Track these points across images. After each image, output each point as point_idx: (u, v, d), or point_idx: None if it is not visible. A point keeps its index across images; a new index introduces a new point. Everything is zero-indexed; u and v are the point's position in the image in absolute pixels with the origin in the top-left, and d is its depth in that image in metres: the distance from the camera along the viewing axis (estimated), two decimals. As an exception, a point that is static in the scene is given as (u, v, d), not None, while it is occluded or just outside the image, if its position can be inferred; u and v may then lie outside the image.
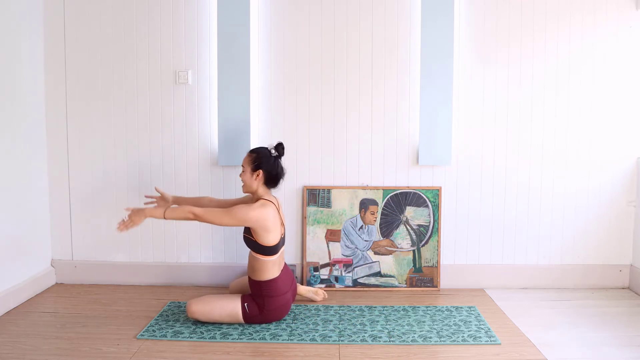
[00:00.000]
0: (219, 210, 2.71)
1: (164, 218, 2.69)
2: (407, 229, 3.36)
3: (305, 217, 3.36)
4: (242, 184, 2.88)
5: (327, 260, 3.37)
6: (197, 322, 2.82)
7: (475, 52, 3.32)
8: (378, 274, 3.37)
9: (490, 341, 2.61)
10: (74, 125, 3.42)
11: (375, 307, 3.06)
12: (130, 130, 3.41)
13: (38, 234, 3.36)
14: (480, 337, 2.65)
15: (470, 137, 3.37)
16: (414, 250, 3.36)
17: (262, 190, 2.84)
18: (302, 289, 3.15)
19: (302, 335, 2.67)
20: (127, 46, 3.37)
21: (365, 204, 3.36)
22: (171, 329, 2.74)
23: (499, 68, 3.33)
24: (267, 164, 2.82)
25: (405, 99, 3.35)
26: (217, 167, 3.41)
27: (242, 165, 2.87)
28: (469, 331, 2.72)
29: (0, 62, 2.97)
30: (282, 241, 2.84)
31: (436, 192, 3.35)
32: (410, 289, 3.36)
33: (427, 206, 3.35)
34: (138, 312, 2.99)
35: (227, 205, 2.98)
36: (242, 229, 2.91)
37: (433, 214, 3.35)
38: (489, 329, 2.75)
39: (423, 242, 3.36)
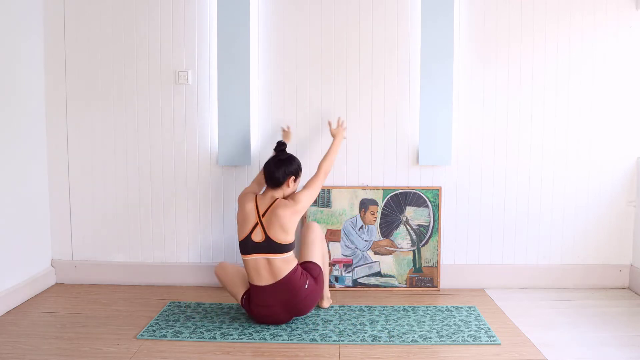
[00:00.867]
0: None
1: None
2: (407, 229, 3.36)
3: (306, 217, 3.36)
4: None
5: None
6: (197, 322, 2.82)
7: (475, 52, 3.32)
8: (378, 274, 3.37)
9: (490, 341, 2.61)
10: (74, 125, 3.42)
11: (375, 307, 3.06)
12: (130, 130, 3.41)
13: (38, 234, 3.36)
14: (480, 337, 2.65)
15: (470, 137, 3.37)
16: (414, 250, 3.36)
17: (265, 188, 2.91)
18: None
19: (302, 335, 2.67)
20: (127, 46, 3.37)
21: (365, 204, 3.37)
22: (171, 329, 2.74)
23: (499, 68, 3.33)
24: (265, 164, 2.85)
25: (405, 98, 3.35)
26: (217, 167, 3.41)
27: None
28: (469, 331, 2.73)
29: (0, 62, 2.97)
30: (245, 241, 2.74)
31: (436, 192, 3.35)
32: (410, 289, 3.36)
33: (427, 206, 3.35)
34: (138, 312, 2.99)
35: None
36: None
37: (433, 214, 3.35)
38: (489, 329, 2.75)
39: (423, 242, 3.36)
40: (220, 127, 3.35)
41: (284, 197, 2.83)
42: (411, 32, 3.32)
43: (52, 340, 2.62)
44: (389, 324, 2.81)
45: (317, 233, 2.95)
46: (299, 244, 3.01)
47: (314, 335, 2.67)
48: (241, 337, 2.65)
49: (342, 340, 2.61)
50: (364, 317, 2.91)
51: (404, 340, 2.61)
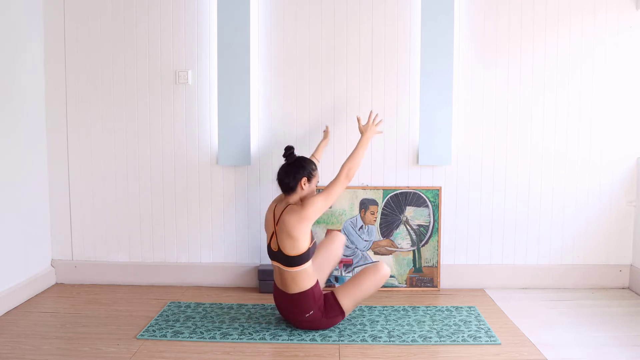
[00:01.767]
0: None
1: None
2: (407, 229, 3.36)
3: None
4: None
5: (327, 260, 3.37)
6: (197, 322, 2.82)
7: (475, 52, 3.32)
8: (378, 274, 3.36)
9: (490, 341, 2.61)
10: (74, 125, 3.42)
11: (375, 307, 3.06)
12: (130, 131, 3.41)
13: (38, 234, 3.36)
14: (480, 337, 2.65)
15: (470, 137, 3.37)
16: (414, 250, 3.36)
17: None
18: None
19: (302, 335, 2.67)
20: (127, 46, 3.37)
21: (365, 204, 3.36)
22: (171, 329, 2.74)
23: (499, 68, 3.33)
24: (277, 171, 2.83)
25: (405, 98, 3.35)
26: (217, 167, 3.41)
27: None
28: (469, 331, 2.72)
29: (0, 62, 2.97)
30: (267, 248, 2.79)
31: (436, 192, 3.35)
32: (410, 289, 3.36)
33: (427, 206, 3.35)
34: (138, 312, 2.99)
35: None
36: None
37: (433, 214, 3.35)
38: (489, 329, 2.75)
39: (423, 242, 3.36)
40: (220, 127, 3.35)
41: (302, 200, 2.74)
42: (411, 32, 3.32)
43: (52, 340, 2.62)
44: (389, 324, 2.81)
45: (374, 279, 2.69)
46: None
47: (314, 335, 2.67)
48: (241, 337, 2.65)
49: (342, 340, 2.61)
50: (364, 317, 2.91)
51: (404, 340, 2.61)
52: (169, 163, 3.41)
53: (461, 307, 3.06)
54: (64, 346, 2.55)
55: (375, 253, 3.37)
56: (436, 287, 3.36)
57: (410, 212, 3.36)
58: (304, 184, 2.72)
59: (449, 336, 2.67)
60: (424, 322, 2.85)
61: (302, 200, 2.71)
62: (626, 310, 3.03)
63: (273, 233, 2.71)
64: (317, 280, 2.71)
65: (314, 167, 2.79)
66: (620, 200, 3.39)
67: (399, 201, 3.36)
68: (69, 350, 2.50)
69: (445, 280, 3.39)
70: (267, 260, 3.44)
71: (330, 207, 3.35)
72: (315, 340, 2.61)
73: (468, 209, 3.40)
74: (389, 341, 2.60)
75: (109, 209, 3.45)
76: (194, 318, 2.89)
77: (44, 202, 3.41)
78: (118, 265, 3.47)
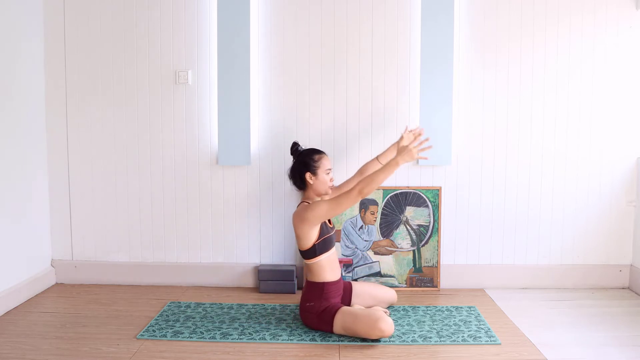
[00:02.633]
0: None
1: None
2: (407, 229, 3.36)
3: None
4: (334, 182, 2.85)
5: (327, 260, 3.36)
6: (197, 322, 2.82)
7: (475, 52, 3.32)
8: (378, 274, 3.37)
9: (490, 341, 2.61)
10: (74, 125, 3.42)
11: (375, 307, 3.06)
12: (130, 130, 3.41)
13: (38, 234, 3.36)
14: (480, 337, 2.65)
15: (470, 137, 3.37)
16: (414, 250, 3.36)
17: None
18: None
19: (302, 335, 2.67)
20: (127, 46, 3.37)
21: (365, 204, 3.36)
22: (171, 329, 2.74)
23: (499, 68, 3.33)
24: None
25: (405, 98, 3.35)
26: (217, 166, 3.41)
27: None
28: (469, 331, 2.72)
29: (0, 62, 2.97)
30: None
31: (436, 192, 3.35)
32: (410, 289, 3.36)
33: (427, 206, 3.35)
34: (138, 312, 2.99)
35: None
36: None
37: (433, 214, 3.35)
38: (489, 329, 2.75)
39: (423, 242, 3.36)
40: (220, 127, 3.34)
41: (318, 195, 2.79)
42: (411, 32, 3.32)
43: (52, 340, 2.61)
44: (389, 324, 2.81)
45: (369, 329, 2.55)
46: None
47: (314, 335, 2.67)
48: (241, 337, 2.65)
49: (342, 340, 2.61)
50: (364, 317, 2.91)
51: (404, 340, 2.61)
52: (169, 163, 3.41)
53: (461, 307, 3.06)
54: (64, 346, 2.55)
55: (375, 253, 3.37)
56: (436, 287, 3.36)
57: (410, 212, 3.36)
58: (310, 179, 2.76)
59: (449, 336, 2.67)
60: (424, 322, 2.85)
61: (318, 196, 2.79)
62: (626, 310, 3.03)
63: None
64: (330, 282, 2.73)
65: (315, 157, 2.78)
66: (620, 200, 3.39)
67: (399, 201, 3.36)
68: (69, 350, 2.50)
69: (445, 280, 3.39)
70: (267, 260, 3.44)
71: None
72: (315, 340, 2.61)
73: (468, 209, 3.39)
74: (389, 341, 2.60)
75: (109, 209, 3.45)
76: (194, 318, 2.89)
77: (44, 202, 3.41)
78: (118, 265, 3.46)
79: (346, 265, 3.36)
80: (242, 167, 3.40)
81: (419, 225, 3.36)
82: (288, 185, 3.36)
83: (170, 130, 3.40)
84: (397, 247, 3.37)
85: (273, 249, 3.44)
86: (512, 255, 3.42)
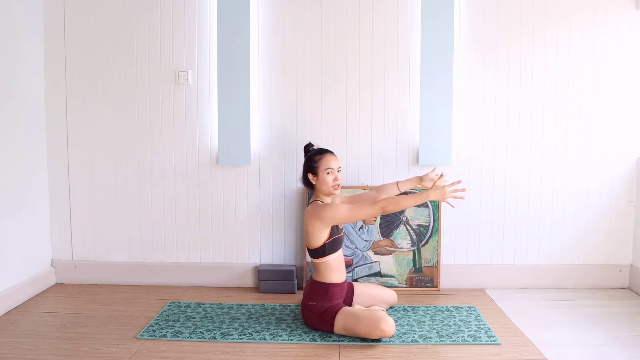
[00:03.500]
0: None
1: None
2: (407, 229, 3.36)
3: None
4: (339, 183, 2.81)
5: (327, 260, 3.36)
6: (197, 322, 2.82)
7: (475, 52, 3.32)
8: (378, 274, 3.37)
9: (490, 341, 2.61)
10: (74, 124, 3.42)
11: (375, 307, 3.06)
12: (130, 130, 3.41)
13: (38, 234, 3.36)
14: (480, 337, 2.65)
15: (470, 137, 3.37)
16: (414, 250, 3.36)
17: None
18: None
19: (302, 335, 2.67)
20: (127, 46, 3.37)
21: (365, 204, 3.36)
22: (171, 329, 2.74)
23: (499, 68, 3.33)
24: None
25: (405, 98, 3.35)
26: (217, 167, 3.41)
27: (339, 167, 2.80)
28: (469, 331, 2.72)
29: (0, 62, 2.97)
30: None
31: (436, 192, 3.35)
32: (410, 289, 3.36)
33: (427, 206, 3.35)
34: (138, 312, 2.99)
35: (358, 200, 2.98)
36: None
37: (433, 214, 3.35)
38: (489, 329, 2.75)
39: (423, 242, 3.36)
40: (220, 127, 3.34)
41: (324, 194, 2.79)
42: (411, 32, 3.32)
43: (52, 340, 2.61)
44: (389, 324, 2.81)
45: (371, 329, 2.56)
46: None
47: (314, 335, 2.67)
48: (241, 337, 2.65)
49: (342, 340, 2.61)
50: (364, 317, 2.91)
51: (404, 340, 2.61)
52: (169, 163, 3.41)
53: (461, 307, 3.06)
54: (64, 346, 2.55)
55: (375, 253, 3.37)
56: (436, 287, 3.36)
57: (410, 212, 3.36)
58: (312, 179, 2.79)
59: (449, 336, 2.67)
60: (424, 322, 2.85)
61: (325, 195, 2.79)
62: (626, 310, 3.03)
63: None
64: (335, 284, 2.72)
65: (316, 158, 2.78)
66: (620, 200, 3.39)
67: (399, 201, 3.35)
68: (69, 350, 2.50)
69: (445, 280, 3.39)
70: (267, 260, 3.44)
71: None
72: (315, 340, 2.61)
73: (468, 209, 3.39)
74: (389, 341, 2.60)
75: (109, 208, 3.45)
76: (194, 318, 2.89)
77: (44, 202, 3.41)
78: (118, 265, 3.47)
79: (346, 265, 3.36)
80: (242, 167, 3.40)
81: (419, 225, 3.36)
82: (288, 185, 3.38)
83: (170, 130, 3.40)
84: (397, 247, 3.37)
85: (273, 249, 3.44)
86: (512, 255, 3.42)
